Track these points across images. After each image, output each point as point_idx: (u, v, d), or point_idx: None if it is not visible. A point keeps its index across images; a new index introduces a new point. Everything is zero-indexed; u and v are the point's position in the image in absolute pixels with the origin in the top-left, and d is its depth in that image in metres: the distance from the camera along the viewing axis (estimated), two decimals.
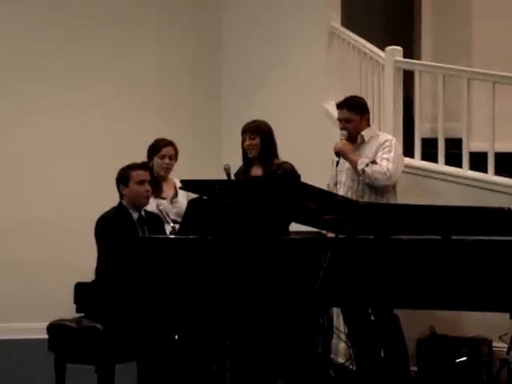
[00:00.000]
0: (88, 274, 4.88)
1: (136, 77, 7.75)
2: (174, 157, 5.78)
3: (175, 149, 5.79)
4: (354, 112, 5.46)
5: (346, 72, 6.68)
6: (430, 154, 6.05)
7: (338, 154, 5.42)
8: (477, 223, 4.20)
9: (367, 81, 6.42)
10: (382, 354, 5.27)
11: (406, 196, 5.52)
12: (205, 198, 4.72)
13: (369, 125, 5.53)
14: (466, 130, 5.86)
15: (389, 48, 6.18)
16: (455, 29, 7.24)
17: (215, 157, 7.21)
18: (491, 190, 5.62)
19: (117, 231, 4.97)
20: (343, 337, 5.79)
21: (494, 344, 5.49)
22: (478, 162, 5.80)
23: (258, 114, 5.67)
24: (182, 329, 4.86)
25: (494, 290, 3.98)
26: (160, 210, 5.37)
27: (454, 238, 4.12)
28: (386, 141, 5.44)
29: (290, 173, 5.32)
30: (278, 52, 7.38)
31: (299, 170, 5.37)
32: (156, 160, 5.73)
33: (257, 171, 5.44)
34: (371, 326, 5.28)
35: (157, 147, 5.75)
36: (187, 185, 4.84)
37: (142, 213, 5.17)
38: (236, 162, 5.51)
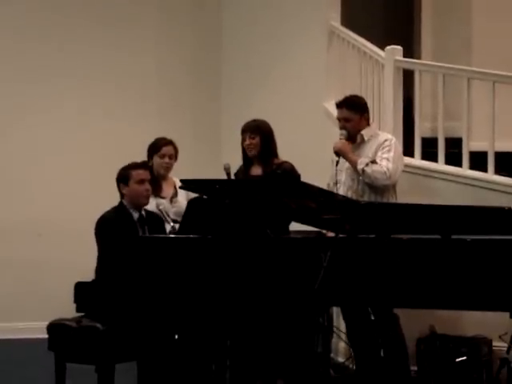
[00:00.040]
0: (88, 274, 4.87)
1: (136, 77, 7.75)
2: (174, 156, 5.78)
3: (175, 148, 5.79)
4: (354, 111, 5.46)
5: (345, 71, 6.68)
6: (429, 153, 6.05)
7: (338, 153, 5.42)
8: (477, 223, 4.20)
9: (367, 80, 6.42)
10: (382, 354, 5.27)
11: (405, 195, 5.52)
12: (205, 197, 4.72)
13: (368, 124, 5.54)
14: (466, 129, 5.86)
15: (389, 47, 6.18)
16: (455, 28, 7.24)
17: (215, 157, 7.21)
18: (491, 189, 5.62)
19: (117, 231, 4.97)
20: (343, 336, 5.79)
21: (494, 343, 5.49)
22: (478, 161, 5.80)
23: (258, 114, 5.67)
24: (181, 328, 4.86)
25: (493, 290, 3.97)
26: (160, 210, 5.37)
27: (453, 237, 4.12)
28: (386, 140, 5.44)
29: (290, 172, 5.32)
30: (277, 52, 7.38)
31: (299, 169, 5.37)
32: (156, 159, 5.73)
33: (257, 171, 5.44)
34: (371, 326, 5.28)
35: (157, 146, 5.75)
36: (187, 184, 4.84)
37: (143, 212, 5.17)
38: (236, 162, 5.51)
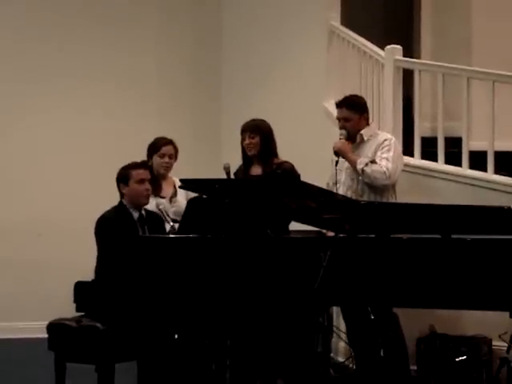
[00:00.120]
0: (88, 274, 4.87)
1: (136, 77, 7.75)
2: (174, 156, 5.78)
3: (175, 148, 5.79)
4: (353, 111, 5.46)
5: (345, 71, 6.68)
6: (429, 152, 6.05)
7: (338, 153, 5.42)
8: (476, 222, 4.20)
9: (367, 80, 6.42)
10: (382, 353, 5.26)
11: (405, 195, 5.52)
12: (204, 197, 4.72)
13: (368, 124, 5.54)
14: (466, 128, 5.85)
15: (388, 47, 6.18)
16: (455, 28, 7.23)
17: (215, 156, 7.20)
18: (491, 188, 5.62)
19: (117, 230, 4.97)
20: (343, 336, 5.79)
21: (494, 343, 5.49)
22: (478, 160, 5.79)
23: (258, 114, 5.67)
24: (181, 328, 4.86)
25: (493, 289, 3.97)
26: (160, 210, 5.37)
27: (453, 236, 4.12)
28: (386, 140, 5.44)
29: (290, 172, 5.32)
30: (277, 51, 7.38)
31: (299, 169, 5.37)
32: (156, 159, 5.73)
33: (256, 170, 5.44)
34: (371, 326, 5.27)
35: (156, 146, 5.75)
36: (187, 184, 4.85)
37: (143, 212, 5.17)
38: (236, 162, 5.51)
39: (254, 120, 5.50)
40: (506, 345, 5.06)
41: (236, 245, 4.37)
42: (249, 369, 5.11)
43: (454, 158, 5.91)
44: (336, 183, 5.41)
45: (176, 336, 4.87)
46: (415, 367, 5.56)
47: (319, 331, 4.87)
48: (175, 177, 5.73)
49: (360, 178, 5.39)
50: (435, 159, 5.94)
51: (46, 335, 4.88)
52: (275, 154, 5.43)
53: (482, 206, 4.63)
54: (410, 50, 7.29)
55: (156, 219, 5.25)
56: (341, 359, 6.00)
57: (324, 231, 5.08)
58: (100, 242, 5.03)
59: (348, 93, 5.77)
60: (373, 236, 4.32)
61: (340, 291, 4.19)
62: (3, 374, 5.92)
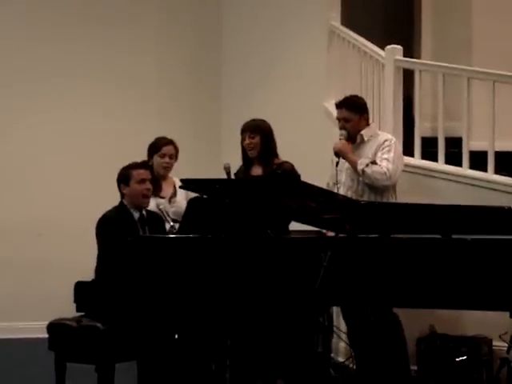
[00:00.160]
0: (88, 274, 4.87)
1: (136, 77, 7.75)
2: (175, 156, 5.78)
3: (175, 148, 5.79)
4: (353, 112, 5.46)
5: (346, 71, 6.68)
6: (430, 153, 6.05)
7: (338, 154, 5.42)
8: (477, 222, 4.19)
9: (367, 80, 6.42)
10: (382, 353, 5.26)
11: (405, 195, 5.52)
12: (205, 197, 4.72)
13: (368, 124, 5.54)
14: (466, 128, 5.85)
15: (389, 47, 6.18)
16: (455, 29, 7.23)
17: (215, 156, 7.21)
18: (491, 188, 5.62)
19: (118, 231, 4.97)
20: (343, 336, 5.79)
21: (494, 343, 5.49)
22: (478, 160, 5.79)
23: (258, 114, 5.67)
24: (181, 328, 4.85)
25: (494, 289, 3.98)
26: (160, 209, 5.37)
27: (454, 236, 4.12)
28: (386, 140, 5.44)
29: (290, 172, 5.31)
30: (277, 51, 7.38)
31: (299, 169, 5.37)
32: (156, 158, 5.73)
33: (257, 171, 5.44)
34: (371, 326, 5.27)
35: (157, 146, 5.75)
36: (187, 184, 4.84)
37: (143, 212, 5.17)
38: (236, 162, 5.51)
39: (254, 120, 5.50)
40: (507, 345, 5.06)
41: (236, 245, 4.37)
42: (249, 369, 5.10)
43: (454, 158, 5.91)
44: (337, 183, 5.41)
45: (176, 336, 4.87)
46: (415, 367, 5.56)
47: (319, 331, 4.87)
48: (175, 177, 5.73)
49: (360, 178, 5.39)
50: (435, 159, 5.94)
51: (46, 335, 4.88)
52: (275, 154, 5.43)
53: (482, 206, 4.63)
54: (411, 51, 7.29)
55: (157, 219, 5.25)
56: (341, 359, 6.00)
57: (324, 231, 5.08)
58: (100, 242, 5.03)
59: (348, 93, 5.77)
60: (373, 236, 4.32)
61: (340, 291, 4.19)
62: (3, 373, 5.92)
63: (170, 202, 5.66)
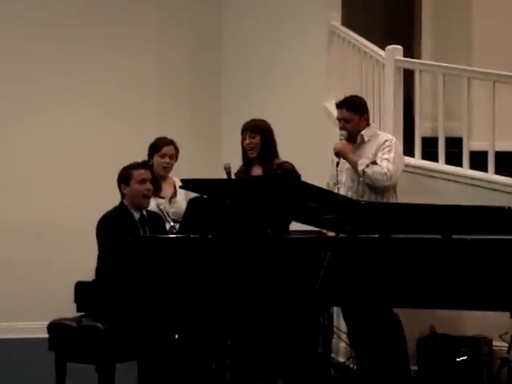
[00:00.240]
0: (88, 274, 4.87)
1: (136, 77, 7.75)
2: (175, 156, 5.78)
3: (176, 148, 5.79)
4: (354, 112, 5.46)
5: (346, 71, 6.68)
6: (430, 153, 6.05)
7: (338, 154, 5.42)
8: (477, 222, 4.19)
9: (367, 80, 6.42)
10: (382, 353, 5.26)
11: (406, 195, 5.52)
12: (205, 197, 4.72)
13: (368, 124, 5.53)
14: (467, 129, 5.85)
15: (389, 47, 6.18)
16: (455, 29, 7.23)
17: (215, 156, 7.21)
18: (491, 189, 5.62)
19: (118, 231, 4.97)
20: (343, 336, 5.79)
21: (495, 343, 5.49)
22: (479, 161, 5.79)
23: (258, 114, 5.67)
24: (182, 328, 4.85)
25: (494, 289, 3.98)
26: (160, 209, 5.37)
27: (454, 237, 4.12)
28: (386, 141, 5.44)
29: (291, 172, 5.31)
30: (278, 51, 7.38)
31: (299, 169, 5.37)
32: (156, 159, 5.73)
33: (257, 171, 5.44)
34: (371, 326, 5.27)
35: (157, 146, 5.75)
36: (187, 184, 4.84)
37: (144, 212, 5.17)
38: (236, 162, 5.51)
39: (254, 120, 5.50)
40: (507, 345, 5.05)
41: (237, 245, 4.37)
42: (249, 369, 5.10)
43: (454, 159, 5.91)
44: (337, 183, 5.41)
45: (176, 336, 4.87)
46: (416, 367, 5.56)
47: (320, 331, 4.87)
48: (175, 177, 5.73)
49: (361, 178, 5.39)
50: (436, 159, 5.94)
51: (47, 335, 4.88)
52: (276, 154, 5.43)
53: (482, 206, 4.63)
54: (411, 51, 7.29)
55: (157, 219, 5.25)
56: (341, 359, 6.00)
57: (324, 231, 5.08)
58: (101, 242, 5.02)
59: (348, 93, 5.77)
60: (373, 236, 4.31)
61: (341, 291, 4.19)
62: (3, 373, 5.92)
63: (170, 202, 5.66)
